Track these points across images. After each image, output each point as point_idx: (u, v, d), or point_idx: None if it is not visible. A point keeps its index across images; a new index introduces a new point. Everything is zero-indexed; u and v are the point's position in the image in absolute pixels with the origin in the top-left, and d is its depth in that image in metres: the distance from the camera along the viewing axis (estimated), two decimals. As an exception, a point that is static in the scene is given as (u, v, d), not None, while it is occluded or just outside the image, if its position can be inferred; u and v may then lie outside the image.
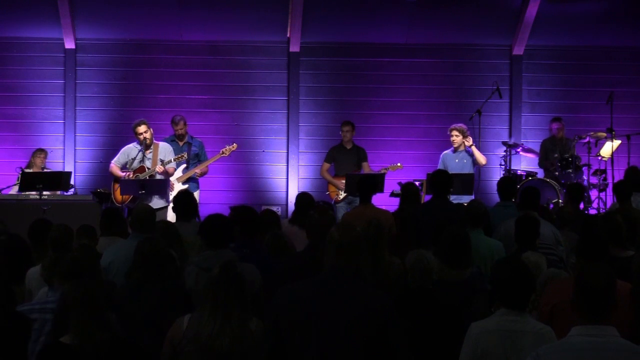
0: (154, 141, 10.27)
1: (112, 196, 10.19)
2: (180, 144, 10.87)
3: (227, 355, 4.26)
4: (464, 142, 11.10)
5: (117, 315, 4.64)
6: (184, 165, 10.55)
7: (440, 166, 11.03)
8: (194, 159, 10.84)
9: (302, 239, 6.92)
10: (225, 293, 4.29)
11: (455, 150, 11.16)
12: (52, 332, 4.18)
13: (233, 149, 10.78)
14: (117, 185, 10.20)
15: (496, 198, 8.62)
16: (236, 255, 5.42)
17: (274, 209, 10.75)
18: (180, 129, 10.88)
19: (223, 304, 4.28)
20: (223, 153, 10.77)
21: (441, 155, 11.31)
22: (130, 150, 10.27)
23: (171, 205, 8.71)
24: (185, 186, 10.35)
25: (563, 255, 6.77)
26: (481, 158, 11.11)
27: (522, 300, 4.12)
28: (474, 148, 11.07)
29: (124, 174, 10.12)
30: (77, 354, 3.91)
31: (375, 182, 8.53)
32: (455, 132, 11.10)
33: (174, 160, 10.30)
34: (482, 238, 6.80)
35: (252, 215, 6.32)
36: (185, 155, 10.44)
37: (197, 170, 10.69)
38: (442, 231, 5.82)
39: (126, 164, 10.23)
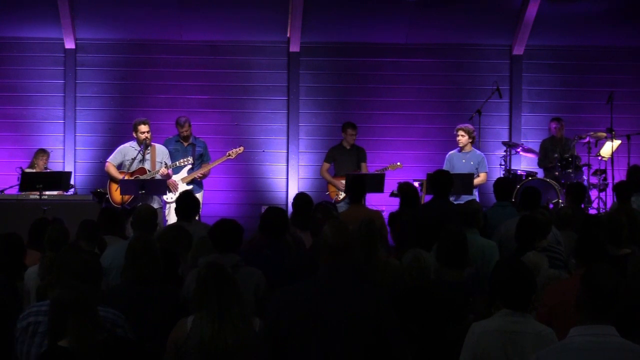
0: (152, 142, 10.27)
1: (110, 197, 10.09)
2: (185, 144, 10.84)
3: (231, 355, 4.24)
4: (469, 142, 11.08)
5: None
6: (189, 166, 10.54)
7: (446, 166, 10.99)
8: (198, 160, 10.81)
9: (304, 241, 6.91)
10: (217, 292, 4.27)
11: (461, 150, 11.15)
12: (48, 336, 4.17)
13: (240, 151, 10.75)
14: (115, 186, 10.12)
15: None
16: (241, 259, 5.40)
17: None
18: (186, 131, 10.82)
19: (217, 302, 4.26)
20: (229, 155, 10.71)
21: (447, 155, 11.29)
22: (127, 150, 10.23)
23: (173, 205, 8.73)
24: (190, 187, 10.33)
25: (564, 256, 6.77)
26: (481, 182, 11.07)
27: (523, 301, 4.12)
28: (477, 180, 10.89)
29: (122, 175, 10.08)
30: (76, 356, 3.91)
31: (364, 183, 8.48)
32: (461, 132, 11.10)
33: (179, 164, 10.28)
34: (476, 238, 6.78)
35: (281, 216, 6.37)
36: (190, 160, 10.42)
37: (201, 172, 10.64)
38: (441, 231, 5.84)
39: (122, 163, 10.19)
